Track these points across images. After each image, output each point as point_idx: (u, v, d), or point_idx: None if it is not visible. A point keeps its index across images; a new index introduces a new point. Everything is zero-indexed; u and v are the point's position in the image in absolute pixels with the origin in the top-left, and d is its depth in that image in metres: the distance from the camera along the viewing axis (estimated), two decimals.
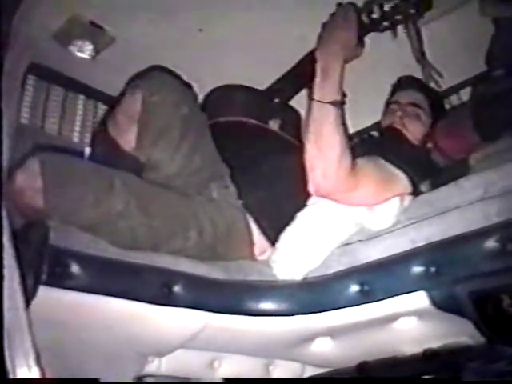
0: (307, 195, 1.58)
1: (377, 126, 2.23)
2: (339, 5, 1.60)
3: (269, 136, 1.91)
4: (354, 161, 1.47)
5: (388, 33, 1.59)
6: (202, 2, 1.92)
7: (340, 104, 1.48)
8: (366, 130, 2.45)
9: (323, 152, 1.45)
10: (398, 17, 1.52)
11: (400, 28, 1.60)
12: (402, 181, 1.58)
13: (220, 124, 1.90)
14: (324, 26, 1.58)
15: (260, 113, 1.92)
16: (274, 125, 1.91)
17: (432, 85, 1.82)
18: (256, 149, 1.85)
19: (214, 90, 2.03)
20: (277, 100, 1.93)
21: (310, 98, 1.51)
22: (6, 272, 1.04)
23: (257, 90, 1.97)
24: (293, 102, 2.01)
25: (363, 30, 1.56)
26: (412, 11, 1.51)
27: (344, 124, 1.50)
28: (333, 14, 1.59)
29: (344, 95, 1.50)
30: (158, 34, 2.05)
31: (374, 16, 1.53)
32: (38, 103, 2.25)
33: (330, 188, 1.46)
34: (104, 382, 1.24)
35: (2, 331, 0.97)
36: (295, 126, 1.98)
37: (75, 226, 1.38)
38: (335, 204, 1.53)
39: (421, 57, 1.67)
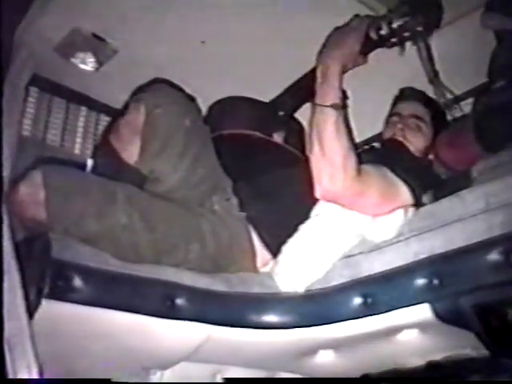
0: (310, 207, 1.58)
1: (378, 137, 2.23)
2: (356, 16, 1.61)
3: (273, 148, 1.92)
4: (359, 166, 1.48)
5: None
6: (205, 14, 1.93)
7: (341, 107, 1.48)
8: (368, 141, 2.45)
9: (327, 155, 1.45)
10: (406, 34, 1.52)
11: (409, 45, 1.60)
12: (405, 192, 1.58)
13: (223, 137, 1.90)
14: (334, 31, 1.60)
15: (264, 125, 1.92)
16: (278, 138, 1.91)
17: (445, 104, 1.81)
18: (259, 161, 1.85)
19: (217, 102, 2.03)
20: (281, 113, 1.93)
21: (313, 102, 1.52)
22: (8, 285, 1.04)
23: (261, 102, 1.98)
24: (297, 115, 2.02)
25: (370, 46, 1.56)
26: (420, 29, 1.51)
27: (348, 127, 1.50)
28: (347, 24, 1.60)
29: (346, 98, 1.51)
30: (161, 46, 2.06)
31: (382, 33, 1.53)
32: (40, 115, 2.26)
33: (336, 191, 1.46)
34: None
35: (3, 344, 0.97)
36: (299, 139, 1.98)
37: (78, 239, 1.38)
38: (338, 215, 1.53)
39: (433, 77, 1.66)
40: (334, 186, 1.46)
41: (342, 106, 1.49)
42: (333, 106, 1.47)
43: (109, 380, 1.36)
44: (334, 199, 1.51)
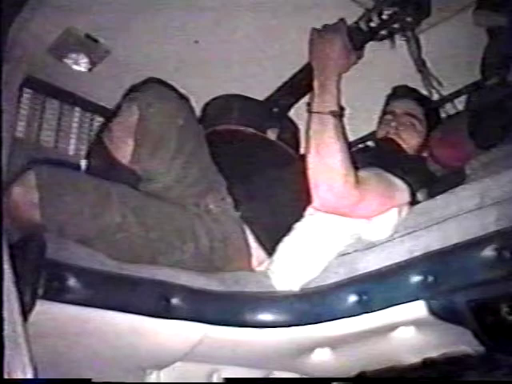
0: (304, 206, 1.58)
1: (372, 135, 2.24)
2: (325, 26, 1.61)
3: (266, 145, 1.91)
4: (356, 172, 1.47)
5: (386, 42, 1.60)
6: (198, 13, 1.93)
7: (339, 115, 1.48)
8: (362, 140, 2.45)
9: (326, 164, 1.44)
10: (396, 25, 1.53)
11: (398, 38, 1.61)
12: (404, 191, 1.58)
13: (218, 133, 1.90)
14: (312, 41, 1.59)
15: (258, 122, 1.92)
16: (271, 134, 1.90)
17: (433, 93, 1.82)
18: (253, 159, 1.85)
19: (212, 100, 2.03)
20: (275, 109, 1.93)
21: (309, 111, 1.51)
22: (2, 286, 1.03)
23: (255, 99, 1.98)
24: (290, 115, 2.02)
25: (361, 39, 1.56)
26: (409, 19, 1.52)
27: (345, 136, 1.49)
28: (319, 31, 1.60)
29: (342, 109, 1.50)
30: (154, 46, 2.06)
31: (373, 24, 1.54)
32: (34, 116, 2.26)
33: (335, 201, 1.45)
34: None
35: (2, 344, 0.97)
36: (293, 137, 1.98)
37: (72, 240, 1.38)
38: (333, 215, 1.53)
39: (421, 65, 1.67)
40: (332, 194, 1.44)
41: (340, 114, 1.49)
42: (332, 113, 1.47)
43: (113, 382, 1.36)
44: (332, 209, 1.49)
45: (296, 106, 1.92)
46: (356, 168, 1.47)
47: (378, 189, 1.52)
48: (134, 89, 1.89)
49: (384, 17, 1.53)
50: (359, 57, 1.60)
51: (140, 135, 1.63)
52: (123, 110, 1.67)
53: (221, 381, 1.59)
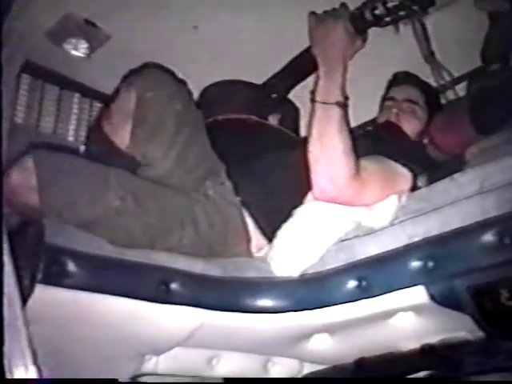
0: (305, 191, 1.57)
1: (372, 122, 2.23)
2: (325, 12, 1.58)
3: (268, 131, 1.91)
4: (358, 162, 1.46)
5: (389, 27, 1.58)
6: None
7: (344, 106, 1.47)
8: (363, 126, 2.44)
9: (327, 153, 1.43)
10: (402, 13, 1.51)
11: (402, 24, 1.59)
12: (405, 177, 1.57)
13: (219, 121, 1.89)
14: (313, 28, 1.58)
15: (259, 109, 1.92)
16: (273, 120, 1.90)
17: (442, 82, 1.80)
18: (255, 145, 1.84)
19: (211, 86, 2.03)
20: (274, 95, 1.92)
21: (313, 100, 1.50)
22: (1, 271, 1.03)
23: (254, 84, 1.97)
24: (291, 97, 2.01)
25: (365, 26, 1.54)
26: (415, 8, 1.50)
27: (348, 126, 1.48)
28: (319, 17, 1.58)
29: (346, 98, 1.49)
30: (153, 31, 2.05)
31: (377, 13, 1.52)
32: (33, 102, 2.25)
33: (335, 191, 1.44)
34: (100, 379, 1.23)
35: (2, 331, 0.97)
36: (294, 121, 1.98)
37: (71, 224, 1.38)
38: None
39: (429, 56, 1.66)
40: (332, 184, 1.43)
41: (345, 104, 1.48)
42: (337, 104, 1.46)
43: (114, 380, 1.36)
44: (332, 199, 1.48)
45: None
46: (357, 156, 1.47)
47: (379, 178, 1.52)
48: (131, 73, 1.89)
49: (389, 6, 1.51)
50: (364, 41, 1.58)
51: (138, 120, 1.63)
52: (121, 95, 1.67)
53: (219, 366, 1.60)
